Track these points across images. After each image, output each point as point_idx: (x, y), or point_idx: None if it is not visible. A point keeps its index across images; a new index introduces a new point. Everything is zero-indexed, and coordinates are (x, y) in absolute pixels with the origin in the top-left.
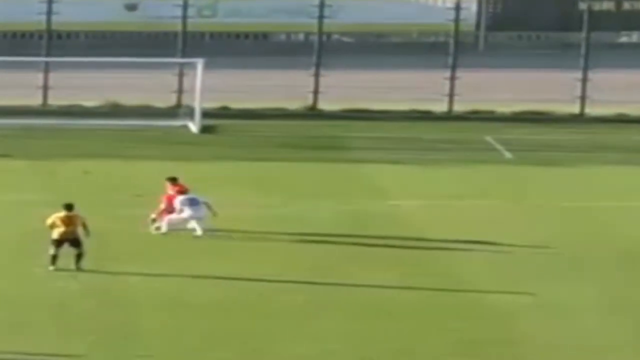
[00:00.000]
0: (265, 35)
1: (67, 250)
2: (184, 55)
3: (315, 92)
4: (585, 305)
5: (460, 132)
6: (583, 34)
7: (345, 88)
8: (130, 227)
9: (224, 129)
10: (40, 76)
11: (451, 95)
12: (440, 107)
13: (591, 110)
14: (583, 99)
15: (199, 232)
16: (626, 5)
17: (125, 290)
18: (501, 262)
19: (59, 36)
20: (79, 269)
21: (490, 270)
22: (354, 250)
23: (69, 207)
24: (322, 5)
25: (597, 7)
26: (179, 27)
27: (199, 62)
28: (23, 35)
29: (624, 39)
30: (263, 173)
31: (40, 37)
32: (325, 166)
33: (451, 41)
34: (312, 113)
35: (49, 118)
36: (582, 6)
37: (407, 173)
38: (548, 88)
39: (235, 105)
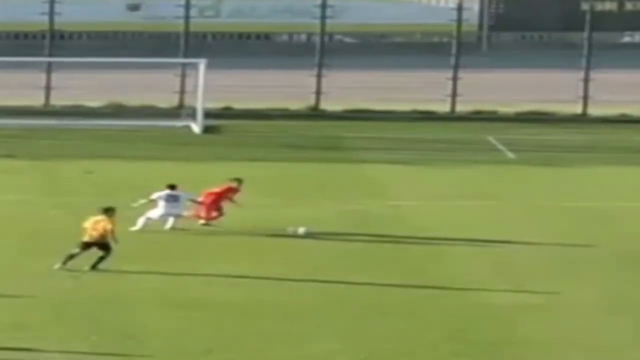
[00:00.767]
0: (267, 36)
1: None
2: (186, 56)
3: (318, 92)
4: (587, 306)
5: (463, 132)
6: (585, 34)
7: (348, 88)
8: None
9: (227, 129)
10: (42, 76)
11: (454, 96)
12: (443, 107)
13: (594, 110)
14: (585, 99)
15: (167, 226)
16: (628, 6)
17: (128, 290)
18: (503, 262)
19: (62, 36)
20: (93, 268)
21: (491, 271)
22: (356, 250)
23: (107, 210)
24: (324, 6)
25: (599, 7)
26: (181, 28)
27: (202, 63)
28: (26, 35)
29: (626, 39)
30: (265, 173)
31: (43, 37)
32: (328, 166)
33: (453, 41)
34: (315, 113)
35: (52, 118)
36: (585, 6)
37: (409, 173)
38: (551, 88)
39: (238, 105)
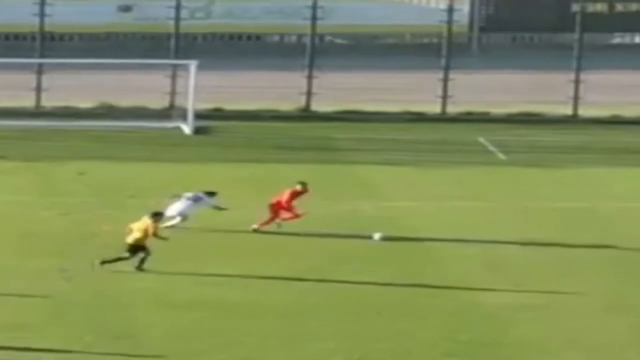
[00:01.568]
0: (258, 37)
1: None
2: (177, 57)
3: (309, 93)
4: (581, 306)
5: (454, 133)
6: (576, 35)
7: (339, 89)
8: (125, 228)
9: (217, 130)
10: (33, 78)
11: (444, 97)
12: (434, 108)
13: (585, 111)
14: (576, 100)
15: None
16: (619, 7)
17: (124, 290)
18: (496, 262)
19: (52, 38)
20: (138, 269)
21: (485, 271)
22: (348, 251)
23: (155, 215)
24: (315, 7)
25: (590, 8)
26: (172, 29)
27: (192, 64)
28: (16, 36)
29: (617, 40)
30: (256, 174)
31: (34, 38)
32: (319, 167)
33: (444, 42)
34: (305, 114)
35: (43, 120)
36: (575, 8)
37: (401, 174)
38: (541, 89)
39: (229, 106)
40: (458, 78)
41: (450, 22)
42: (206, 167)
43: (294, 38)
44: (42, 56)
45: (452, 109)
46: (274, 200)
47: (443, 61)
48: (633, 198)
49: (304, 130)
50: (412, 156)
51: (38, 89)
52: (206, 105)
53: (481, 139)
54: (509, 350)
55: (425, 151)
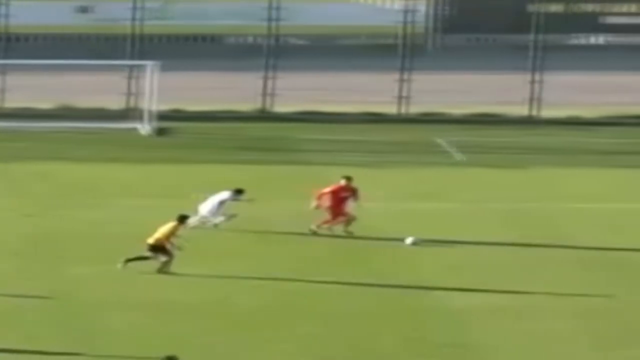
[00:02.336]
0: (217, 38)
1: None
2: (135, 58)
3: (267, 94)
4: (543, 308)
5: (412, 134)
6: (532, 36)
7: (297, 90)
8: (86, 229)
9: (176, 131)
10: None
11: (402, 98)
12: (392, 109)
13: (542, 112)
14: (533, 100)
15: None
16: (575, 8)
17: (84, 291)
18: (455, 264)
19: (8, 39)
20: (159, 271)
21: (444, 273)
22: (306, 253)
23: (182, 218)
24: (273, 8)
25: (546, 9)
26: (130, 30)
27: (150, 65)
28: None
29: (573, 41)
30: (215, 175)
31: None
32: (277, 168)
33: (402, 44)
34: (264, 115)
35: (4, 121)
36: (532, 9)
37: (359, 176)
38: (499, 90)
39: (187, 107)
40: (416, 79)
41: (406, 23)
42: (165, 167)
43: (252, 39)
44: (2, 57)
45: (409, 110)
46: (320, 193)
47: (401, 62)
48: (592, 199)
49: (263, 131)
50: (370, 157)
51: (2, 91)
52: (165, 106)
53: (439, 140)
54: (474, 352)
55: (384, 152)
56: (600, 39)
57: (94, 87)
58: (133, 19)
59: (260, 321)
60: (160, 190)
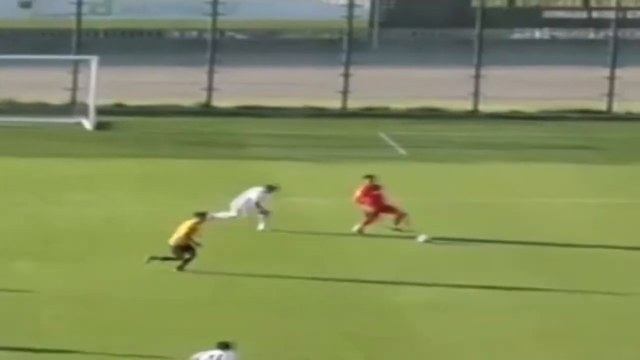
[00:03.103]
0: (159, 33)
1: None
2: (78, 53)
3: (209, 89)
4: (490, 303)
5: (354, 129)
6: (476, 31)
7: (240, 85)
8: (29, 224)
9: (119, 125)
10: None
11: (345, 92)
12: (335, 104)
13: (484, 107)
14: (476, 95)
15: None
16: (518, 2)
17: (26, 288)
18: (399, 258)
19: None
20: (179, 269)
21: (387, 267)
22: (251, 246)
23: (200, 215)
24: (215, 3)
25: (489, 4)
26: (73, 25)
27: (93, 60)
28: None
29: (516, 35)
30: (157, 170)
31: None
32: (220, 163)
33: (345, 38)
34: (206, 110)
35: None
36: (475, 3)
37: (302, 170)
38: (442, 85)
39: (130, 102)
40: (359, 74)
41: (350, 17)
42: (108, 162)
43: (194, 34)
44: None
45: (352, 104)
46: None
47: (344, 57)
48: (533, 193)
49: (205, 126)
50: (313, 151)
51: None
52: (107, 101)
53: (381, 134)
54: (413, 347)
55: (326, 146)
56: (545, 34)
57: (36, 82)
58: (78, 13)
59: (191, 313)
60: (98, 185)
